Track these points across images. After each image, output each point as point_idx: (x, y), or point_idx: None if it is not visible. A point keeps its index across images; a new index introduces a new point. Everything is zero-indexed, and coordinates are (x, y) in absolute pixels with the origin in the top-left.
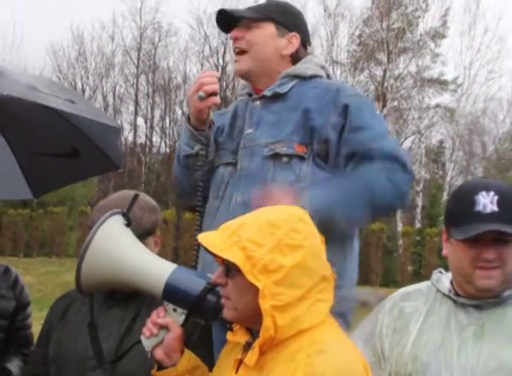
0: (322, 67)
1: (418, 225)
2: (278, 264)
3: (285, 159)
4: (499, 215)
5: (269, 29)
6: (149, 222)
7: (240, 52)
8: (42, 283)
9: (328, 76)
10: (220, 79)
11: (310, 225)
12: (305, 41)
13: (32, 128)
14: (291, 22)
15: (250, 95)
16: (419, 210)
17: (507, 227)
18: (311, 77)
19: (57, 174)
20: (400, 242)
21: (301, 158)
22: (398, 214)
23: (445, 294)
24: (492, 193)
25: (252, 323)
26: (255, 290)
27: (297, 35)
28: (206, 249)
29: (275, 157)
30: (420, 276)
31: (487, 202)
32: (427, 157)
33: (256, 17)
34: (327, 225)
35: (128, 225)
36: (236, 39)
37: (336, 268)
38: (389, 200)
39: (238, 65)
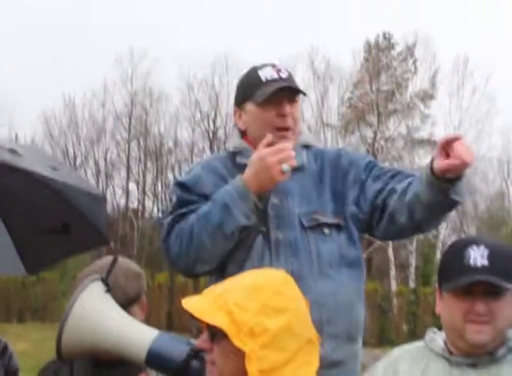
0: None
1: (412, 284)
2: (264, 327)
3: (326, 230)
4: (489, 268)
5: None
6: (133, 290)
7: (288, 128)
8: (37, 349)
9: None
10: None
11: (294, 288)
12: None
13: (23, 204)
14: None
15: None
16: (412, 269)
17: (497, 279)
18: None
19: (49, 250)
20: (394, 302)
21: (338, 228)
22: (392, 273)
23: (438, 354)
24: (482, 247)
25: None
26: (241, 354)
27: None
28: (191, 314)
29: (316, 228)
30: (414, 335)
31: (477, 256)
32: None
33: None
34: None
35: (108, 291)
36: (286, 116)
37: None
38: None
39: (290, 142)
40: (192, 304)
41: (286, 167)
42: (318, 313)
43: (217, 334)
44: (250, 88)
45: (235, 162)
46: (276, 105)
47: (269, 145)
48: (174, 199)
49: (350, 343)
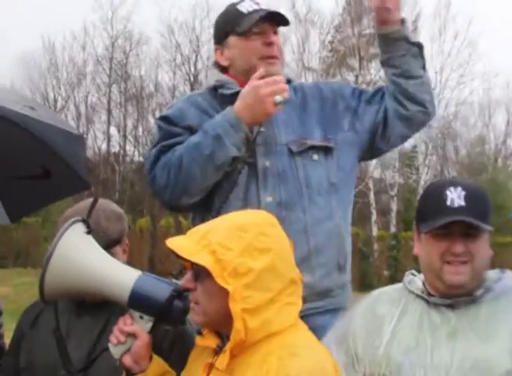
0: None
1: (393, 229)
2: (247, 267)
3: (315, 156)
4: (466, 209)
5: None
6: (115, 231)
7: (276, 57)
8: (18, 293)
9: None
10: None
11: (278, 229)
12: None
13: (1, 149)
14: None
15: (239, 93)
16: (393, 214)
17: (475, 220)
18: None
19: (32, 197)
20: (375, 247)
21: (327, 151)
22: (373, 218)
23: (417, 295)
24: (459, 188)
25: (221, 327)
26: (225, 294)
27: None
28: (175, 254)
29: (305, 153)
30: (395, 280)
31: (454, 197)
32: (400, 161)
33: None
34: None
35: (89, 232)
36: (274, 44)
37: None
38: None
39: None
40: (176, 243)
41: (279, 98)
42: (307, 242)
43: (200, 274)
44: (231, 22)
45: (216, 95)
46: (261, 34)
47: (261, 78)
48: (159, 132)
49: (339, 272)
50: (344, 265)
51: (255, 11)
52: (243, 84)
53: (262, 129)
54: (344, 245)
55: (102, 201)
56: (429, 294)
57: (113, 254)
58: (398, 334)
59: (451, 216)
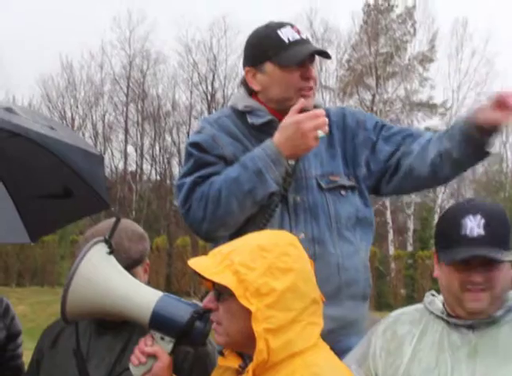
0: None
1: (410, 248)
2: (270, 287)
3: (343, 192)
4: (485, 238)
5: None
6: (137, 251)
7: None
8: (35, 312)
9: None
10: None
11: (300, 249)
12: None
13: (24, 169)
14: None
15: (269, 122)
16: (410, 233)
17: (494, 252)
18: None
19: (53, 216)
20: (392, 265)
21: (353, 189)
22: (390, 237)
23: (437, 316)
24: (478, 216)
25: (244, 347)
26: (247, 314)
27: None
28: (197, 273)
29: (334, 189)
30: (412, 299)
31: (474, 226)
32: None
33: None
34: None
35: (112, 252)
36: (312, 79)
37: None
38: None
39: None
40: (198, 264)
41: (321, 133)
42: (338, 276)
43: (222, 294)
44: (272, 49)
45: (245, 122)
46: (300, 67)
47: (300, 111)
48: (191, 159)
49: (364, 303)
50: (368, 295)
51: (297, 42)
52: (272, 111)
53: (291, 164)
54: (370, 277)
55: (123, 221)
56: (449, 315)
57: (134, 275)
58: (418, 355)
59: (470, 248)
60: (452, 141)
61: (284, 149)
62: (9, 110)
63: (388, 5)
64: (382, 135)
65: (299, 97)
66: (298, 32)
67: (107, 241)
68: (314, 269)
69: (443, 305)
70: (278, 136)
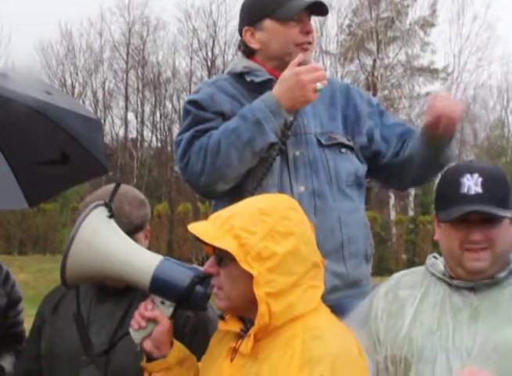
0: None
1: (411, 213)
2: (271, 251)
3: (343, 149)
4: (483, 196)
5: None
6: (138, 217)
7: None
8: (37, 280)
9: None
10: None
11: (300, 212)
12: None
13: (20, 135)
14: None
15: (268, 81)
16: (411, 198)
17: (490, 208)
18: None
19: (50, 182)
20: (393, 230)
21: (352, 150)
22: (391, 202)
23: (439, 278)
24: (476, 175)
25: (245, 311)
26: (248, 278)
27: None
28: (197, 238)
29: (334, 146)
30: (413, 264)
31: (471, 184)
32: None
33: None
34: None
35: (112, 216)
36: (310, 33)
37: None
38: None
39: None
40: (198, 229)
41: (320, 85)
42: (340, 231)
43: (223, 259)
44: (270, 5)
45: (244, 83)
46: (299, 21)
47: (299, 65)
48: (189, 116)
49: (366, 262)
50: (370, 256)
51: None
52: (271, 71)
53: (291, 119)
54: (370, 236)
55: (124, 187)
56: (451, 277)
57: (135, 240)
58: (419, 317)
59: (467, 205)
60: (416, 145)
61: (283, 100)
62: (3, 75)
63: None
64: (382, 125)
65: (298, 52)
66: None
67: (107, 205)
68: (316, 223)
69: (444, 267)
70: (277, 88)
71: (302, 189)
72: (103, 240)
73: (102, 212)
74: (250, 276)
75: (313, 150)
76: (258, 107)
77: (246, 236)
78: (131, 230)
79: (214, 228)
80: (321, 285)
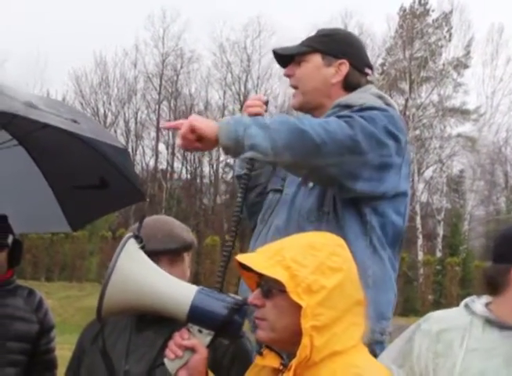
0: (380, 97)
1: (439, 254)
2: (320, 285)
3: (310, 184)
4: None
5: (316, 60)
6: (189, 237)
7: (294, 88)
8: (62, 307)
9: (389, 105)
10: (267, 103)
11: (347, 250)
12: (360, 66)
13: (60, 159)
14: (338, 49)
15: None
16: (439, 239)
17: None
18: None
19: (91, 206)
20: (421, 271)
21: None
22: (419, 242)
23: (487, 320)
24: None
25: (285, 344)
26: (295, 310)
27: (345, 61)
28: (241, 267)
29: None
30: (440, 305)
31: None
32: (448, 186)
33: (301, 51)
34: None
35: (142, 247)
36: (288, 76)
37: None
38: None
39: (292, 100)
40: (249, 259)
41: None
42: None
43: (272, 290)
44: None
45: None
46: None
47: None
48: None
49: None
50: None
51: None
52: None
53: None
54: None
55: (164, 216)
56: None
57: (184, 260)
58: (469, 358)
59: None
60: None
61: None
62: (28, 104)
63: (424, 9)
64: None
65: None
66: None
67: (137, 237)
68: None
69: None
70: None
71: (275, 223)
72: (139, 272)
73: (134, 245)
74: (296, 309)
75: (293, 188)
76: None
77: (298, 268)
78: (184, 247)
79: (264, 258)
80: (362, 323)
